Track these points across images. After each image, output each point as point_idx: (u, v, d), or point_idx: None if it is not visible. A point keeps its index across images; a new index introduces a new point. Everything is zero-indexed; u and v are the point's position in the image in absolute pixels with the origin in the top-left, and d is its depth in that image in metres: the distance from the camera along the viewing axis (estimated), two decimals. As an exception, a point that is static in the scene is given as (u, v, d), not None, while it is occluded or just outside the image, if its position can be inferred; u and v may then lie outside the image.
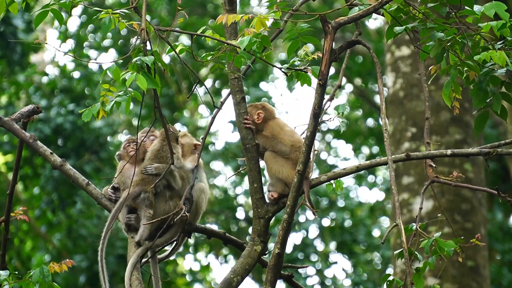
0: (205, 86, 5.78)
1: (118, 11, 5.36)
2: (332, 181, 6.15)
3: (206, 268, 20.02)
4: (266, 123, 6.14)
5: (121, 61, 5.41)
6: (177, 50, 5.61)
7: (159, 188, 6.22)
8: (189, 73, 5.64)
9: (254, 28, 5.45)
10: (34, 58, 19.47)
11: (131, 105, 5.85)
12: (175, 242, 6.35)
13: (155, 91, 5.41)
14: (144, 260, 6.15)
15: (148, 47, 5.37)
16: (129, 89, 5.29)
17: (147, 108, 17.85)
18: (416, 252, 5.54)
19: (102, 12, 5.33)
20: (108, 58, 19.41)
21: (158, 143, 6.29)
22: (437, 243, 5.53)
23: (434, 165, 5.81)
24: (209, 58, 5.64)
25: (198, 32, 5.59)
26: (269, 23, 5.49)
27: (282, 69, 5.81)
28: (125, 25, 5.36)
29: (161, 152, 6.26)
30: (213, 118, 6.21)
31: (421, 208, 5.77)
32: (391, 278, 5.62)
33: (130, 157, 6.30)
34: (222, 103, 6.16)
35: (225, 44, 5.60)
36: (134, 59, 5.25)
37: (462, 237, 5.88)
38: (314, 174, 6.19)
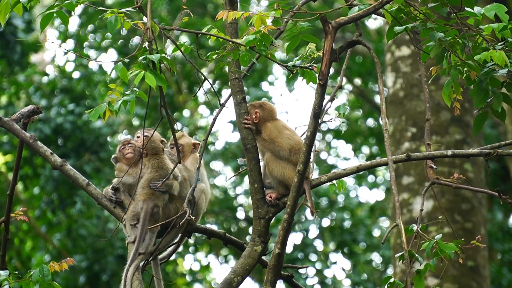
0: (210, 84, 5.78)
1: (123, 10, 5.36)
2: (334, 181, 6.14)
3: (206, 268, 20.02)
4: (265, 125, 6.11)
5: (127, 60, 5.40)
6: (182, 49, 5.62)
7: (165, 201, 6.22)
8: (193, 72, 5.66)
9: (254, 26, 5.46)
10: (34, 58, 19.47)
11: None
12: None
13: (161, 89, 5.41)
14: (144, 263, 6.15)
15: (153, 46, 5.37)
16: (134, 88, 5.30)
17: (148, 108, 17.82)
18: (416, 255, 5.53)
19: (108, 12, 5.33)
20: (108, 58, 19.42)
21: (158, 156, 6.25)
22: (438, 245, 5.52)
23: (434, 167, 5.80)
24: (214, 57, 5.65)
25: (203, 31, 5.60)
26: (269, 21, 5.49)
27: (288, 67, 5.81)
28: (130, 24, 5.36)
29: (162, 164, 6.23)
30: (216, 117, 6.21)
31: (421, 210, 5.76)
32: (392, 280, 5.60)
33: (126, 158, 6.30)
34: (224, 103, 6.16)
35: (229, 43, 5.60)
36: (140, 58, 5.25)
37: (462, 238, 5.87)
38: (314, 174, 6.18)
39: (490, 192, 5.78)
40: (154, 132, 6.22)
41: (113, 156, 6.42)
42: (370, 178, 20.36)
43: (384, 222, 19.77)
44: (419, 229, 5.54)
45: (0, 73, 17.62)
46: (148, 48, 5.34)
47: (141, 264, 6.08)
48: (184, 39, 17.14)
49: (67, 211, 17.21)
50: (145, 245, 6.07)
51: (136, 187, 6.20)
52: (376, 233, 19.05)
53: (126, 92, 5.30)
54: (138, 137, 6.38)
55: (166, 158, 6.25)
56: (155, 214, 6.12)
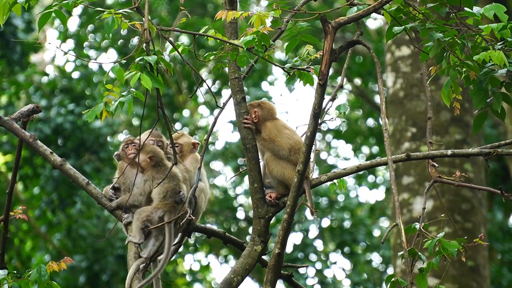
0: (208, 86, 5.78)
1: (120, 11, 5.36)
2: (335, 180, 6.13)
3: (206, 268, 20.02)
4: (264, 124, 6.10)
5: (124, 61, 5.40)
6: (180, 50, 5.61)
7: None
8: (192, 72, 5.64)
9: (253, 26, 5.46)
10: (34, 58, 19.47)
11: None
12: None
13: (158, 90, 5.40)
14: (144, 264, 6.15)
15: (150, 47, 5.36)
16: (132, 89, 5.29)
17: (147, 108, 17.83)
18: (419, 253, 5.52)
19: (105, 12, 5.33)
20: (108, 59, 19.43)
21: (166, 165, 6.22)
22: (441, 244, 5.51)
23: (436, 165, 5.80)
24: (211, 57, 5.64)
25: (200, 31, 5.59)
26: (268, 21, 5.49)
27: (285, 69, 5.81)
28: (128, 25, 5.36)
29: (173, 173, 6.17)
30: (216, 118, 6.20)
31: (424, 208, 5.76)
32: (394, 279, 5.59)
33: (129, 158, 6.28)
34: (225, 104, 6.15)
35: (227, 44, 5.60)
36: (137, 59, 5.24)
37: (462, 237, 5.87)
38: (314, 174, 6.18)
39: (492, 189, 5.77)
40: (151, 131, 6.20)
41: (116, 152, 6.41)
42: (370, 178, 20.37)
43: (384, 222, 19.77)
44: (421, 227, 5.53)
45: (0, 73, 17.62)
46: (145, 49, 5.33)
47: (141, 266, 6.09)
48: (184, 39, 17.14)
49: (67, 211, 17.21)
50: (148, 250, 6.07)
51: (133, 187, 6.16)
52: (376, 233, 19.06)
53: (123, 93, 5.29)
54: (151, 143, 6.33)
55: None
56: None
